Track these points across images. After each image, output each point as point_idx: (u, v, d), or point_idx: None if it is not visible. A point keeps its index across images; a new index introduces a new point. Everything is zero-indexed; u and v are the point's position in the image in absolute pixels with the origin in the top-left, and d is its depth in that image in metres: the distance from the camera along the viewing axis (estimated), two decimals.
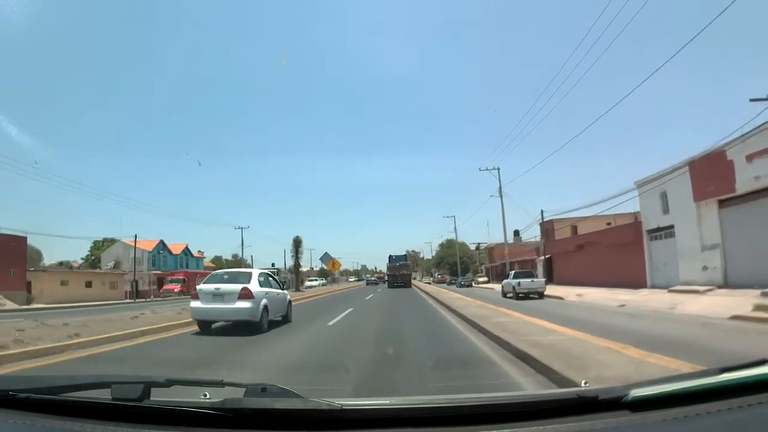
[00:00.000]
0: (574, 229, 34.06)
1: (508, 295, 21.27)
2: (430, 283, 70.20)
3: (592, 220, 31.05)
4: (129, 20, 77.93)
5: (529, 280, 21.10)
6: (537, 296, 19.73)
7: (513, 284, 20.54)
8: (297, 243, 39.07)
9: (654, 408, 1.20)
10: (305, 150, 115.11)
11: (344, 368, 4.98)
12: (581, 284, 26.85)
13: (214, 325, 8.92)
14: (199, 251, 57.44)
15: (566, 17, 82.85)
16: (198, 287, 9.12)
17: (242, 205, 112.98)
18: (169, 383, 1.41)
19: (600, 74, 70.99)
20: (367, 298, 21.97)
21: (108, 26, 78.35)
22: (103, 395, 1.34)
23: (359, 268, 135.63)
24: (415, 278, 56.91)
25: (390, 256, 45.71)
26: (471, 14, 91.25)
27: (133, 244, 39.00)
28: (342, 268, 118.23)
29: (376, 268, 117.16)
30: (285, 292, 10.76)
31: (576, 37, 78.76)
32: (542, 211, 34.31)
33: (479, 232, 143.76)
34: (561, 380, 3.72)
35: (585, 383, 1.88)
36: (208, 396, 1.38)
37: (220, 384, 1.47)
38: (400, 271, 42.17)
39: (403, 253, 49.88)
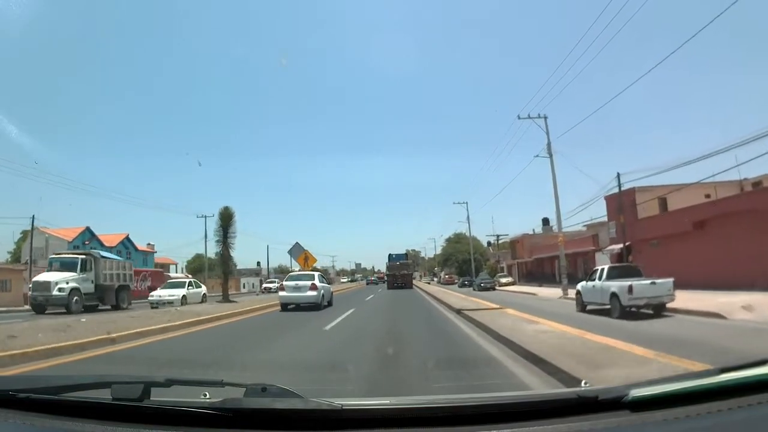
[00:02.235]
0: (663, 203, 22.56)
1: (588, 308, 14.75)
2: (430, 283, 66.30)
3: (686, 192, 23.03)
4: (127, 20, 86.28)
5: (647, 282, 12.73)
6: (651, 312, 12.62)
7: (614, 290, 12.78)
8: (225, 219, 23.60)
9: (654, 408, 1.25)
10: (301, 149, 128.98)
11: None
12: (697, 286, 17.56)
13: (285, 307, 16.56)
14: (149, 244, 48.89)
15: (569, 13, 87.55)
16: (284, 283, 17.10)
17: (235, 204, 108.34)
18: (169, 383, 1.54)
19: (601, 68, 71.29)
20: (330, 326, 12.41)
21: (107, 25, 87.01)
22: (103, 395, 1.45)
23: (354, 267, 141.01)
24: (414, 278, 56.05)
25: (390, 255, 45.27)
26: (472, 14, 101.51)
27: (52, 233, 28.77)
28: (338, 267, 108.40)
29: (374, 267, 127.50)
30: (329, 286, 19.54)
31: (580, 30, 78.50)
32: (619, 175, 23.06)
33: (484, 229, 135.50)
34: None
35: (585, 383, 1.99)
36: (208, 396, 1.49)
37: (220, 384, 1.58)
38: (401, 271, 42.22)
39: (403, 251, 49.63)
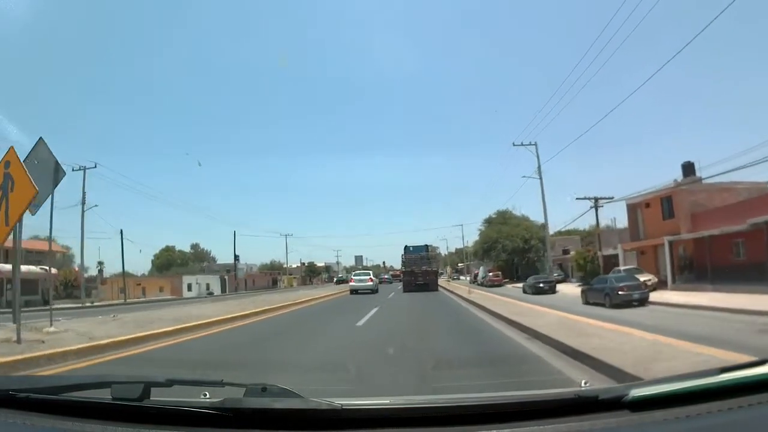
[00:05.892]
0: None
1: None
2: (450, 281, 57.19)
3: None
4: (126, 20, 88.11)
5: None
6: None
7: None
8: None
9: (654, 408, 1.27)
10: (298, 148, 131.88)
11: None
12: None
13: (354, 292, 31.30)
14: None
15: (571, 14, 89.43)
16: (352, 276, 35.76)
17: (233, 202, 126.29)
18: (170, 383, 1.57)
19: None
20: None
21: (106, 26, 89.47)
22: (104, 395, 1.48)
23: (353, 263, 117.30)
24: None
25: (406, 247, 35.60)
26: (472, 14, 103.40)
27: None
28: (348, 264, 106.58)
29: (384, 263, 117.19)
30: (377, 279, 39.67)
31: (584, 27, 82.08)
32: None
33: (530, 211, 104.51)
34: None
35: (585, 383, 2.03)
36: (208, 396, 1.52)
37: (220, 384, 1.61)
38: (421, 267, 33.05)
39: (422, 244, 38.10)
